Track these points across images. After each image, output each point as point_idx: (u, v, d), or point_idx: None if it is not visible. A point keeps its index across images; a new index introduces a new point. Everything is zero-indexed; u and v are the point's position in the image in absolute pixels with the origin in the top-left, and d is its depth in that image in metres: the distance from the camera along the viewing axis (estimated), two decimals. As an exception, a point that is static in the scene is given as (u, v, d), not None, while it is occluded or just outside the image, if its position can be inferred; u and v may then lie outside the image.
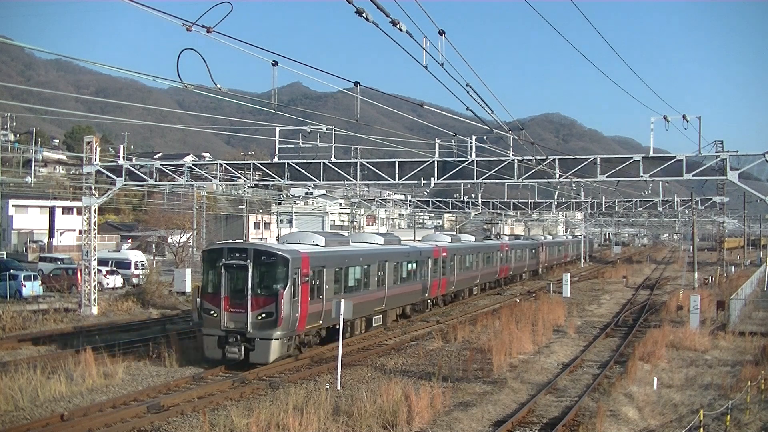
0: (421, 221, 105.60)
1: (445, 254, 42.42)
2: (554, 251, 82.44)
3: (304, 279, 25.21)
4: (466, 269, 47.60)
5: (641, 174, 30.08)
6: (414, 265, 37.58)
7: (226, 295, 24.49)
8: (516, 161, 31.76)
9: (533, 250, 70.16)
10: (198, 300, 26.28)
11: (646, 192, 60.41)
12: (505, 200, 66.26)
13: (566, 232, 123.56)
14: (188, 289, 43.14)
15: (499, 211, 73.06)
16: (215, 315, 24.53)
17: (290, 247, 26.40)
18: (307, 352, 27.08)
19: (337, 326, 24.76)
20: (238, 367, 24.31)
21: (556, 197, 66.55)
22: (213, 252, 25.76)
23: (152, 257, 64.78)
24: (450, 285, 44.11)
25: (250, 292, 24.15)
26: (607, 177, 31.02)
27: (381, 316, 33.44)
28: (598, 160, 30.97)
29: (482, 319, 36.17)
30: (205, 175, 37.91)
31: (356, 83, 19.99)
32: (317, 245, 28.44)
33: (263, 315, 24.12)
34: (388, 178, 33.58)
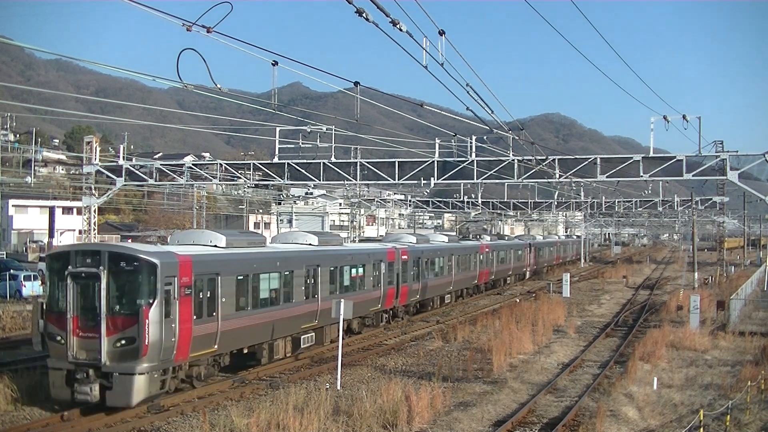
0: (421, 221, 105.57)
1: (405, 257, 36.38)
2: (545, 252, 76.56)
3: (185, 291, 19.47)
4: (436, 274, 41.58)
5: (641, 174, 30.09)
6: (361, 270, 31.35)
7: (74, 314, 18.57)
8: (516, 161, 31.77)
9: (519, 252, 63.83)
10: (40, 321, 19.66)
11: (646, 192, 60.45)
12: (505, 200, 66.30)
13: (566, 231, 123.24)
14: None
15: (499, 211, 73.08)
16: (62, 341, 18.62)
17: (165, 249, 20.89)
18: (305, 353, 27.07)
19: (244, 350, 22.71)
20: (238, 367, 24.09)
21: (556, 197, 66.57)
22: (57, 257, 19.65)
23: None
24: (413, 293, 37.94)
25: (103, 310, 18.23)
26: (607, 177, 31.04)
27: (313, 333, 27.11)
28: (598, 160, 30.98)
29: (482, 319, 36.15)
30: (205, 175, 37.92)
31: (356, 83, 20.00)
32: (215, 246, 22.69)
33: (122, 341, 18.24)
34: (388, 178, 33.60)
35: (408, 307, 38.64)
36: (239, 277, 22.28)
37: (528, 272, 68.00)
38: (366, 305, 31.99)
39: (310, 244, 28.77)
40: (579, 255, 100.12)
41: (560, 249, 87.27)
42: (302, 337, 26.21)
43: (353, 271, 30.74)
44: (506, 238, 67.17)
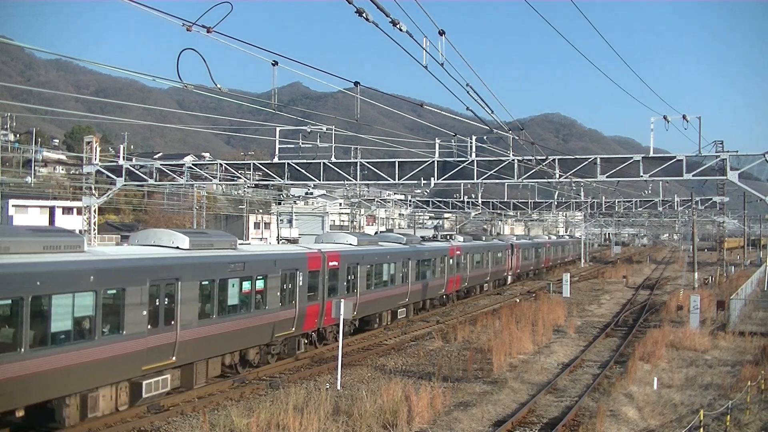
0: (421, 221, 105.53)
1: (334, 264, 28.61)
2: (530, 254, 69.34)
3: None
4: (384, 284, 34.00)
5: (641, 174, 30.07)
6: (260, 283, 23.73)
7: None
8: (516, 161, 31.76)
9: (499, 254, 57.20)
10: None
11: (646, 192, 60.40)
12: (505, 200, 66.26)
13: (566, 231, 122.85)
14: None
15: (499, 211, 72.99)
16: None
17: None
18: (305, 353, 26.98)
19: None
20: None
21: (556, 197, 66.52)
22: None
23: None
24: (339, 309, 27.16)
25: None
26: (607, 177, 31.01)
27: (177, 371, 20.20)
28: (598, 160, 30.96)
29: (482, 319, 36.16)
30: (205, 175, 37.89)
31: (356, 83, 19.99)
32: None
33: None
34: (388, 178, 33.57)
35: (337, 328, 26.61)
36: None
37: (510, 277, 61.80)
38: (263, 331, 23.71)
39: (178, 247, 20.80)
40: (576, 256, 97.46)
41: (551, 250, 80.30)
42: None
43: (245, 285, 22.68)
44: (483, 238, 58.98)
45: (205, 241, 21.95)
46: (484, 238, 58.92)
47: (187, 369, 20.62)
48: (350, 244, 31.87)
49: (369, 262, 32.38)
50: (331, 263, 28.48)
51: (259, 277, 23.53)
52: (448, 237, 53.39)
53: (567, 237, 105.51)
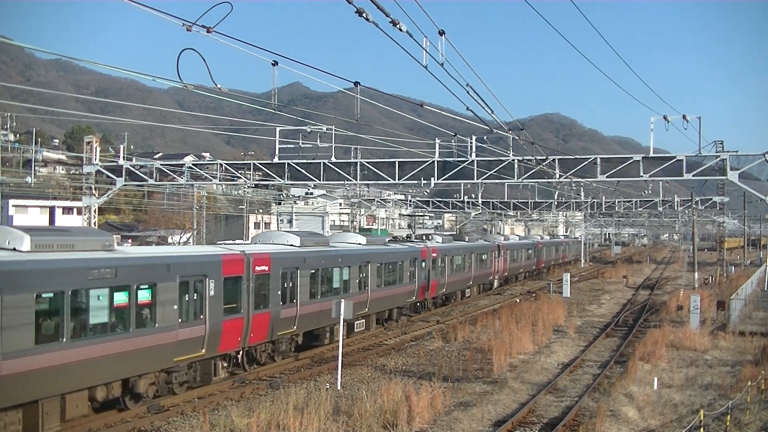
0: (421, 221, 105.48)
1: (263, 269, 23.88)
2: (520, 256, 64.87)
3: None
4: (333, 292, 28.81)
5: (641, 174, 30.08)
6: (146, 294, 19.00)
7: None
8: (516, 161, 31.76)
9: (484, 256, 52.70)
10: None
11: (646, 192, 60.41)
12: (505, 200, 66.26)
13: (567, 231, 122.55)
14: None
15: (499, 211, 72.92)
16: None
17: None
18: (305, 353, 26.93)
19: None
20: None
21: (556, 197, 66.53)
22: None
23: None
24: (283, 324, 25.19)
25: None
26: (607, 177, 31.02)
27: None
28: (598, 160, 30.97)
29: (482, 319, 36.16)
30: (205, 175, 37.90)
31: (356, 83, 20.00)
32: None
33: None
34: (388, 178, 33.58)
35: (273, 346, 25.37)
36: None
37: (496, 281, 57.37)
38: (155, 355, 19.16)
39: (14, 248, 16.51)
40: (574, 256, 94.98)
41: (544, 251, 75.71)
42: None
43: (118, 297, 18.11)
44: (466, 238, 53.96)
45: (59, 241, 17.29)
46: (467, 239, 53.71)
47: (30, 411, 15.89)
48: (290, 245, 26.96)
49: (314, 266, 27.21)
50: (258, 268, 23.47)
51: (142, 287, 18.70)
52: (425, 237, 47.60)
53: (562, 237, 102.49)
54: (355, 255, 31.35)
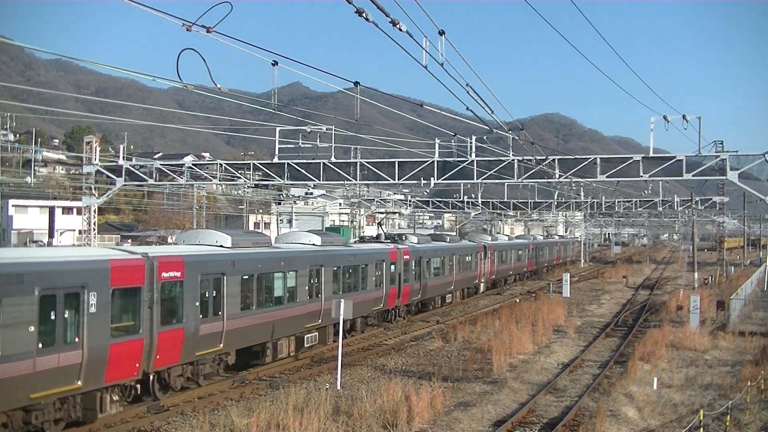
0: (421, 221, 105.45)
1: (174, 276, 19.91)
2: (509, 257, 60.61)
3: None
4: (267, 302, 24.54)
5: (641, 174, 30.08)
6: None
7: None
8: (516, 161, 31.76)
9: (468, 258, 48.60)
10: None
11: (646, 192, 60.45)
12: (505, 200, 66.28)
13: (566, 231, 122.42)
14: None
15: (499, 211, 72.90)
16: None
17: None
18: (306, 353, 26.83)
19: None
20: (238, 367, 24.20)
21: (556, 197, 66.54)
22: None
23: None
24: (208, 340, 21.30)
25: None
26: (607, 177, 31.02)
27: None
28: (598, 160, 30.97)
29: (482, 319, 36.16)
30: (205, 175, 37.91)
31: (356, 83, 20.01)
32: None
33: None
34: (388, 178, 33.58)
35: (193, 368, 21.24)
36: None
37: (482, 284, 52.98)
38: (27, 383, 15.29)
39: None
40: (570, 257, 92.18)
41: (536, 252, 71.64)
42: None
43: None
44: (447, 239, 48.54)
45: None
46: (448, 239, 48.31)
47: None
48: (219, 246, 23.21)
49: (246, 270, 23.19)
50: (167, 274, 19.44)
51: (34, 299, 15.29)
52: (397, 237, 41.45)
53: (557, 237, 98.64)
54: (303, 258, 26.97)
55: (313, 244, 29.27)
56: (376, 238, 41.38)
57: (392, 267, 35.30)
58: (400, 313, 37.56)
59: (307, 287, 26.94)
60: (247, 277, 23.25)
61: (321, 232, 33.40)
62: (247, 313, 23.07)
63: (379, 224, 49.66)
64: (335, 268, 29.31)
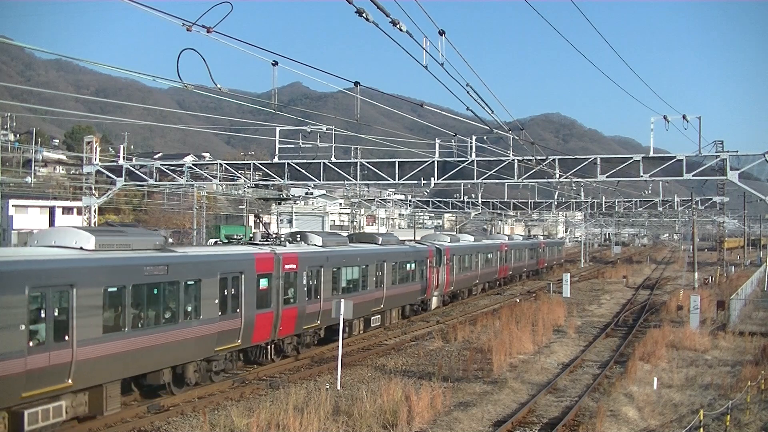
0: (421, 221, 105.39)
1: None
2: (474, 263, 49.76)
3: None
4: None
5: (641, 174, 30.07)
6: None
7: None
8: (516, 161, 31.75)
9: (410, 266, 37.48)
10: None
11: (646, 192, 60.41)
12: (505, 200, 66.26)
13: (566, 232, 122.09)
14: None
15: (499, 211, 72.82)
16: None
17: None
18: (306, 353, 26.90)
19: None
20: (238, 367, 24.19)
21: (556, 197, 66.52)
22: None
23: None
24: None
25: None
26: (607, 177, 31.01)
27: None
28: (598, 160, 30.96)
29: (482, 319, 36.16)
30: (205, 175, 37.90)
31: (356, 83, 20.01)
32: None
33: None
34: (388, 178, 33.56)
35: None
36: None
37: (435, 298, 42.40)
38: None
39: None
40: (556, 260, 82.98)
41: (512, 256, 60.88)
42: None
43: None
44: (380, 240, 36.20)
45: None
46: (380, 240, 36.00)
47: None
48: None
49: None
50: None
51: None
52: (289, 238, 28.15)
53: (542, 237, 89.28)
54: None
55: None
56: (249, 240, 28.26)
57: (279, 282, 24.55)
58: (270, 354, 25.41)
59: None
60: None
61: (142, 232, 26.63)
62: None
63: (258, 219, 40.09)
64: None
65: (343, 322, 23.95)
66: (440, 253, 42.44)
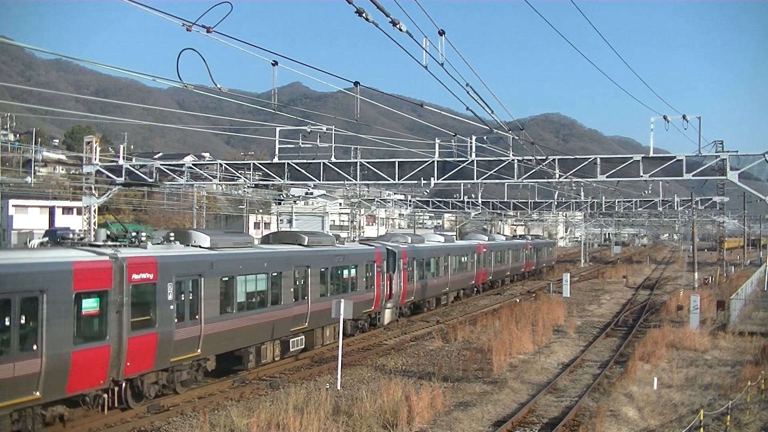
0: (421, 221, 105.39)
1: None
2: (442, 268, 43.33)
3: None
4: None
5: (641, 174, 30.06)
6: None
7: None
8: (516, 161, 31.74)
9: (349, 272, 31.36)
10: None
11: (646, 192, 60.41)
12: (505, 200, 66.24)
13: (566, 231, 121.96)
14: None
15: (499, 211, 72.74)
16: None
17: None
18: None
19: None
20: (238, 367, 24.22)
21: (556, 197, 66.51)
22: None
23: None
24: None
25: None
26: (607, 177, 31.00)
27: None
28: (598, 160, 30.95)
29: (482, 319, 36.16)
30: (205, 175, 37.88)
31: (356, 83, 20.01)
32: None
33: None
34: (388, 178, 33.55)
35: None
36: None
37: (389, 312, 35.89)
38: None
39: None
40: (545, 263, 76.93)
41: (491, 259, 54.69)
42: None
43: None
44: (306, 240, 29.16)
45: None
46: (306, 240, 29.16)
47: None
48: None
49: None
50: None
51: None
52: (139, 241, 20.42)
53: (529, 237, 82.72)
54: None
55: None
56: (81, 241, 20.39)
57: (92, 302, 17.38)
58: (113, 402, 18.68)
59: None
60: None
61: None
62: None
63: (107, 211, 29.98)
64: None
65: (241, 350, 21.56)
66: (394, 256, 35.75)
